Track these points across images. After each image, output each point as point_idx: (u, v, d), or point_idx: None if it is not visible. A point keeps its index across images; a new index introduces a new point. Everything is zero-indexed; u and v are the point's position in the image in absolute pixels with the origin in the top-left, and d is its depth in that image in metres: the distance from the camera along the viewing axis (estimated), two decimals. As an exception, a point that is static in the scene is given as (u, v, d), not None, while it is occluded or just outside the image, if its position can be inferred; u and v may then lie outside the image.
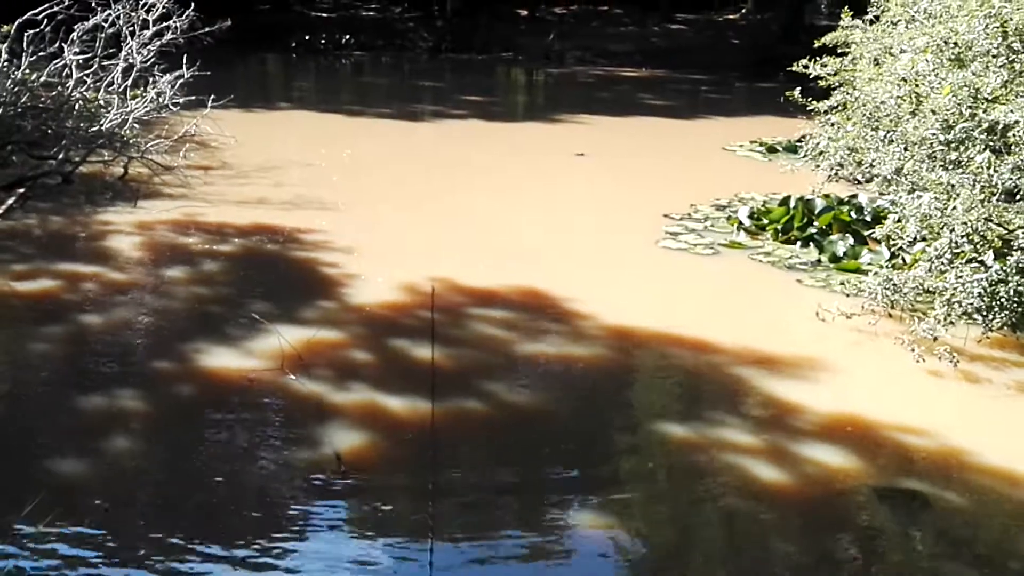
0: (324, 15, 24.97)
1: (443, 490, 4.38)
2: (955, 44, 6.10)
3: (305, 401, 5.11)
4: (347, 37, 22.27)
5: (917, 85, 6.29)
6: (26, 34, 9.56)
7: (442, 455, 4.65)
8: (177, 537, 3.91)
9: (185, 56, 10.04)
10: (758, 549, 4.15)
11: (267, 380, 5.31)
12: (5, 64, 9.43)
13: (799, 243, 8.02)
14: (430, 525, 4.10)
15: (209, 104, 10.06)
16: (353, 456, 4.57)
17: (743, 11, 25.53)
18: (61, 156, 9.26)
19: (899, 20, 7.63)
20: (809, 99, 8.63)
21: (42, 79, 9.57)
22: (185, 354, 5.62)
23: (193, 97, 9.96)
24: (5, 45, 9.58)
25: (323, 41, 22.19)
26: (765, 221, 8.49)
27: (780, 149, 11.83)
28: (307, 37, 22.17)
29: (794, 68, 8.61)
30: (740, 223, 8.51)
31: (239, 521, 4.07)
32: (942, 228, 5.65)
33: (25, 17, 9.72)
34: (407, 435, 4.84)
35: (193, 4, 10.21)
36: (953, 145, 5.77)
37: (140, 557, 3.78)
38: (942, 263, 5.63)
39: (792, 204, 8.61)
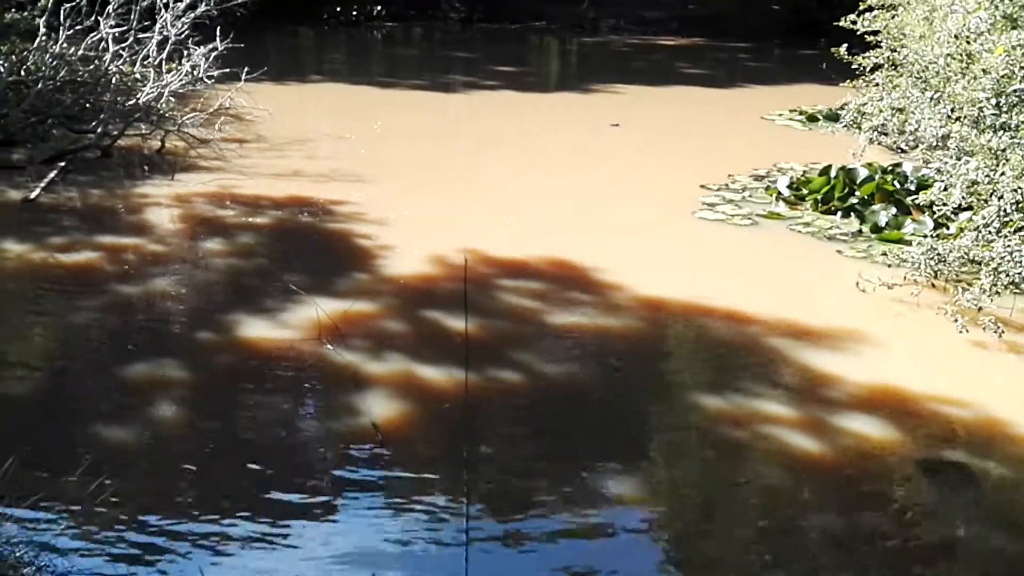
0: (356, -14, 24.83)
1: (478, 460, 4.39)
2: (1009, 2, 5.88)
3: (342, 371, 5.14)
4: (378, 8, 22.15)
5: (968, 43, 6.09)
6: (63, 8, 9.66)
7: (476, 426, 4.66)
8: (214, 504, 3.98)
9: (219, 29, 10.08)
10: (796, 523, 4.11)
11: (304, 350, 5.35)
12: (44, 38, 9.55)
13: (840, 213, 7.86)
14: (465, 495, 4.11)
15: (243, 77, 10.11)
16: (389, 426, 4.59)
17: (782, -25, 24.93)
18: (100, 130, 9.39)
19: (951, -24, 7.37)
20: (854, 57, 8.42)
21: (79, 53, 9.68)
22: (223, 324, 5.68)
23: (227, 70, 10.02)
24: (43, 19, 9.69)
25: (355, 12, 22.10)
26: (805, 191, 8.33)
27: (821, 118, 11.59)
28: (338, 8, 22.10)
29: (841, 23, 8.39)
30: (779, 193, 8.37)
31: (276, 489, 4.11)
32: (990, 195, 5.51)
33: (63, -9, 9.81)
34: (442, 405, 4.85)
35: (226, -23, 10.24)
36: (1004, 108, 5.59)
37: (179, 523, 3.84)
38: (989, 232, 5.49)
39: (833, 174, 8.43)
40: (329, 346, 5.36)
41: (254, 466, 4.29)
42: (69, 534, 3.70)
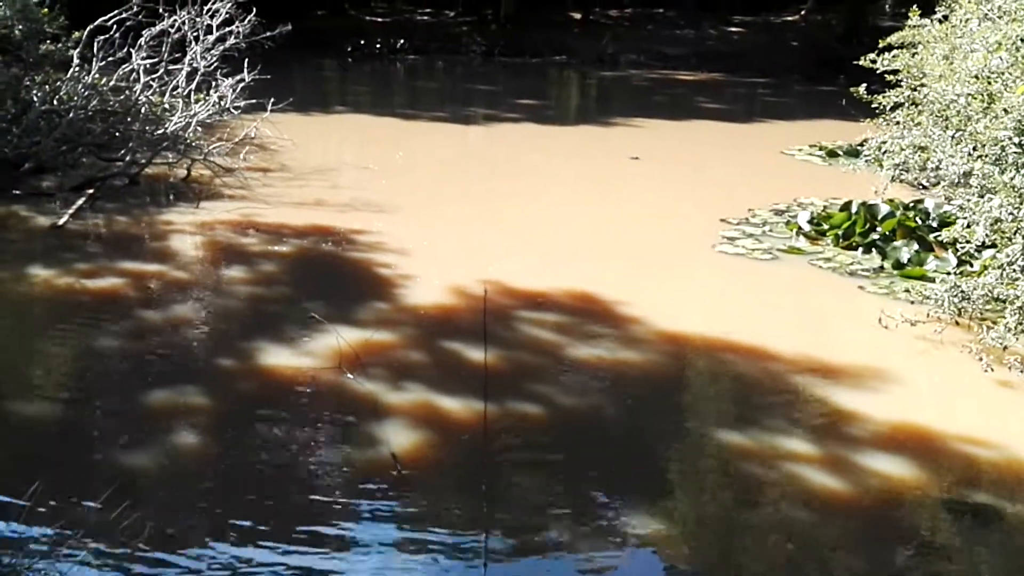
0: (379, 19, 25.26)
1: (497, 492, 4.38)
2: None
3: (362, 400, 5.15)
4: (401, 41, 22.49)
5: (989, 83, 6.10)
6: (96, 40, 9.87)
7: (495, 457, 4.64)
8: (235, 532, 3.98)
9: (246, 60, 10.25)
10: (815, 562, 4.05)
11: (325, 379, 5.37)
12: (77, 69, 9.76)
13: (861, 249, 7.84)
14: (484, 526, 4.09)
15: (269, 108, 10.27)
16: (408, 456, 4.59)
17: (802, 12, 25.08)
18: (128, 158, 9.55)
19: (971, 18, 7.41)
20: (874, 96, 8.45)
21: (111, 83, 9.88)
22: (245, 352, 5.72)
23: (253, 101, 10.19)
24: (77, 50, 9.91)
25: (378, 45, 22.44)
26: (825, 226, 8.32)
27: (841, 153, 11.61)
28: (362, 41, 22.45)
29: (861, 62, 8.43)
30: (799, 228, 8.36)
31: (296, 518, 4.11)
32: (1014, 233, 5.48)
33: (96, 23, 10.05)
34: (461, 436, 4.84)
35: (254, 9, 10.43)
36: (1026, 147, 5.58)
37: (200, 550, 3.84)
38: (1013, 270, 5.46)
39: (854, 209, 8.43)
40: (349, 375, 5.38)
41: (271, 495, 4.29)
42: (92, 561, 3.70)
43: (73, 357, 5.80)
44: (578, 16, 25.40)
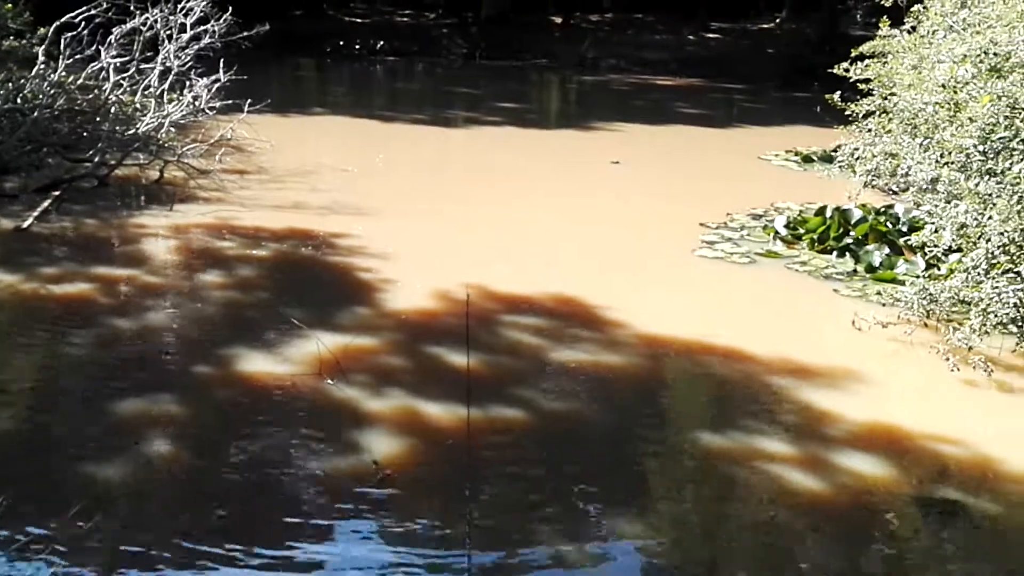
0: (358, 20, 25.19)
1: (480, 497, 4.39)
2: (994, 55, 6.04)
3: (343, 407, 5.13)
4: (381, 43, 22.45)
5: (955, 92, 6.23)
6: (64, 37, 9.65)
7: (478, 462, 4.65)
8: (213, 542, 3.93)
9: (222, 60, 10.16)
10: (791, 560, 4.11)
11: (305, 385, 5.35)
12: (42, 66, 9.53)
13: (835, 253, 7.96)
14: (467, 532, 4.10)
15: (245, 108, 10.18)
16: (391, 462, 4.59)
17: (778, 20, 25.35)
18: (97, 159, 9.33)
19: (937, 29, 7.55)
20: (847, 103, 8.57)
21: (79, 82, 9.62)
22: (221, 358, 5.66)
23: (229, 101, 10.09)
24: (43, 47, 9.69)
25: (357, 46, 22.39)
26: (801, 231, 8.44)
27: (816, 159, 11.75)
28: (341, 43, 22.38)
29: (835, 71, 8.55)
30: (776, 232, 8.47)
31: (275, 526, 4.08)
32: (978, 238, 5.60)
33: (63, 20, 9.82)
34: (444, 441, 4.85)
35: (230, 8, 10.34)
36: (990, 155, 5.71)
37: (175, 561, 3.80)
38: (978, 273, 5.58)
39: (828, 214, 8.56)
40: (330, 381, 5.35)
41: (250, 503, 4.25)
42: (63, 570, 3.64)
43: (40, 366, 5.66)
44: (559, 20, 25.48)
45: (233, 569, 3.78)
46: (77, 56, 9.68)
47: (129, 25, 9.92)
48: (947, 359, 5.57)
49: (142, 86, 10.00)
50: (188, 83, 10.02)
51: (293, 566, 3.83)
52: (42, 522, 3.92)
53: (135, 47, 9.94)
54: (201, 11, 10.15)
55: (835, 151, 9.22)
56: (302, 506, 4.26)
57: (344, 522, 4.16)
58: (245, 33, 10.29)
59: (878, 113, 8.35)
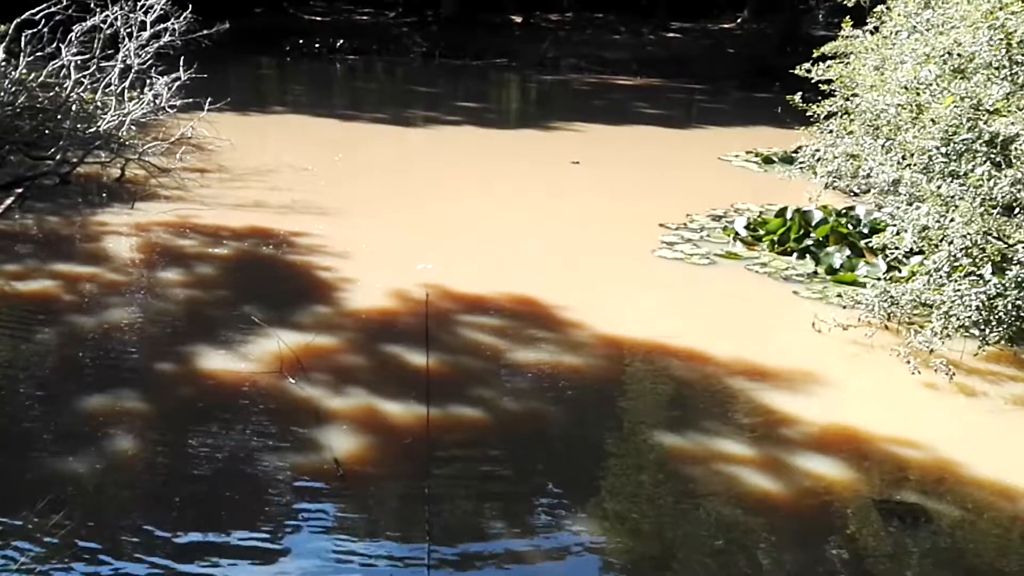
0: (318, 19, 24.96)
1: (439, 494, 4.39)
2: (958, 55, 6.07)
3: (303, 405, 5.11)
4: (341, 41, 22.26)
5: (918, 94, 6.29)
6: (24, 34, 9.53)
7: (438, 459, 4.65)
8: (176, 539, 3.91)
9: (182, 58, 10.04)
10: (749, 561, 4.15)
11: (265, 383, 5.31)
12: (3, 64, 9.40)
13: (795, 254, 8.04)
14: (427, 528, 4.10)
15: (205, 107, 10.07)
16: (350, 460, 4.57)
17: (739, 20, 25.59)
18: (59, 157, 9.25)
19: (900, 30, 7.63)
20: (809, 104, 8.66)
21: (40, 79, 9.55)
22: (183, 356, 5.61)
23: (190, 100, 9.98)
24: (3, 45, 9.55)
25: (317, 45, 22.18)
26: (761, 232, 8.51)
27: (776, 160, 11.87)
28: (301, 41, 22.15)
29: (796, 71, 8.63)
30: (736, 234, 8.54)
31: (237, 524, 4.06)
32: (940, 241, 5.66)
33: (23, 17, 9.70)
34: (403, 439, 4.83)
35: (190, 6, 10.22)
36: (953, 157, 5.77)
37: (138, 558, 3.77)
38: (940, 276, 5.64)
39: (789, 215, 8.64)
40: (290, 379, 5.32)
41: (211, 501, 4.23)
42: (23, 571, 3.60)
43: (1, 362, 5.61)
44: (519, 19, 25.49)
45: (194, 562, 3.75)
46: (38, 54, 9.56)
47: (89, 23, 9.80)
48: (908, 362, 5.62)
49: (103, 84, 9.86)
50: (149, 81, 9.90)
51: (255, 558, 3.82)
52: (6, 517, 3.90)
53: (95, 45, 9.81)
54: (161, 9, 10.03)
55: (796, 152, 9.33)
56: (264, 501, 4.25)
57: (306, 517, 4.15)
58: (205, 31, 10.18)
59: (840, 114, 8.45)
